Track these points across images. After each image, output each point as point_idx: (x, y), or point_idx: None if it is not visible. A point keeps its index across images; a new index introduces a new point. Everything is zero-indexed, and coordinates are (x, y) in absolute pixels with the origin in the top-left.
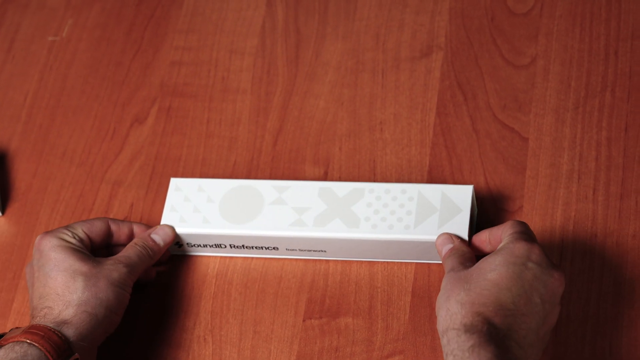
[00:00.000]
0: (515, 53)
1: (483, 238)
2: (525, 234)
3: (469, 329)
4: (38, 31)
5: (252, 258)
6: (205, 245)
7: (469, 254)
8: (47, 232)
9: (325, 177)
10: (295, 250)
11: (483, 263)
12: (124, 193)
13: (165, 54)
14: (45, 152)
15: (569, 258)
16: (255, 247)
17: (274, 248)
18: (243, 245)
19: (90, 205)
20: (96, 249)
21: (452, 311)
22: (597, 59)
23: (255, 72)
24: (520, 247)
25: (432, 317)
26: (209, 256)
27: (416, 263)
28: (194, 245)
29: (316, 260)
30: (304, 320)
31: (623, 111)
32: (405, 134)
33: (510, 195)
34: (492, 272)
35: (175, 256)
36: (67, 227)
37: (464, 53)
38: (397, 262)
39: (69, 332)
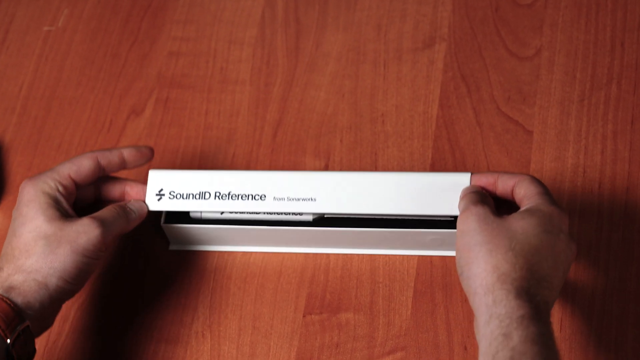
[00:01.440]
0: (519, 44)
1: (490, 180)
2: (551, 196)
3: (521, 295)
4: (33, 21)
5: (252, 252)
6: (188, 197)
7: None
8: (31, 179)
9: (326, 170)
10: (284, 199)
11: (523, 223)
12: None
13: (163, 44)
14: (40, 144)
15: None
16: (242, 197)
17: (261, 197)
18: (229, 194)
19: None
20: (86, 186)
21: (502, 269)
22: (603, 51)
23: (255, 62)
24: (556, 215)
25: (434, 313)
26: (208, 251)
27: (418, 257)
28: (176, 195)
29: (317, 254)
30: (304, 316)
31: (629, 103)
32: (408, 127)
33: None
34: (535, 237)
35: (173, 250)
36: (52, 173)
37: (468, 44)
38: (399, 257)
39: (17, 299)
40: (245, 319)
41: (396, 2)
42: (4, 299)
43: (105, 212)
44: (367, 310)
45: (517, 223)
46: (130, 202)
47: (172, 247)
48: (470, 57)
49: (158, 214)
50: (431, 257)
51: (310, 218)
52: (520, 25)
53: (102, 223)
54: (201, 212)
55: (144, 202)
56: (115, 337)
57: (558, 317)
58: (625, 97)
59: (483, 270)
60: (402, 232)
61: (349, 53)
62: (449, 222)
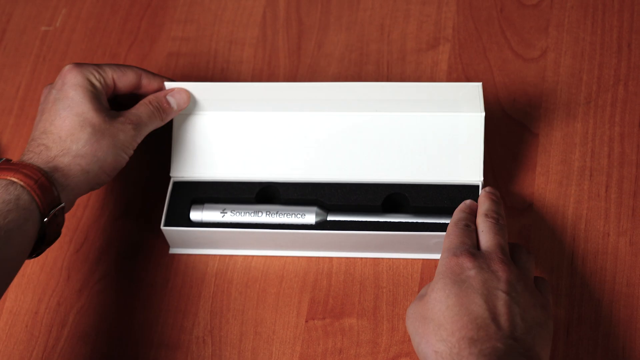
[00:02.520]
0: (525, 45)
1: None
2: (450, 249)
3: (462, 357)
4: (30, 21)
5: (253, 257)
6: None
7: None
8: (77, 65)
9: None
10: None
11: (434, 294)
12: (120, 188)
13: (163, 44)
14: None
15: (581, 258)
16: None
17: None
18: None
19: (86, 201)
20: (119, 95)
21: (440, 352)
22: (609, 52)
23: (256, 63)
24: (451, 267)
25: None
26: (209, 255)
27: (423, 261)
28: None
29: (319, 258)
30: (306, 321)
31: (636, 106)
32: None
33: (520, 193)
34: (448, 298)
35: (173, 256)
36: (97, 67)
37: (472, 45)
38: (403, 261)
39: (60, 180)
40: (247, 324)
41: (399, 2)
42: (48, 176)
43: (142, 109)
44: (371, 315)
45: (430, 299)
46: (171, 93)
47: (172, 251)
48: (475, 58)
49: (158, 217)
50: (435, 261)
51: (312, 221)
52: (525, 26)
53: (137, 126)
54: (202, 210)
55: (187, 92)
56: (115, 342)
57: (565, 323)
58: (632, 99)
59: None
60: (406, 236)
61: (351, 54)
62: None
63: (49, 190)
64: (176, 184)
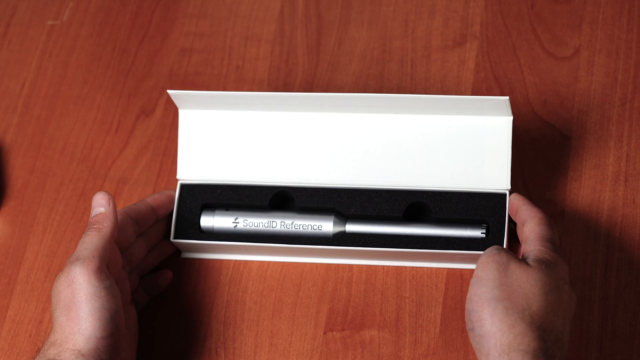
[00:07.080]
0: (556, 43)
1: (514, 205)
2: (554, 243)
3: (538, 356)
4: (36, 14)
5: (269, 263)
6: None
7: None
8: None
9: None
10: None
11: (541, 277)
12: (129, 191)
13: (175, 40)
14: (43, 146)
15: (615, 268)
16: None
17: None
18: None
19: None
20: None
21: (517, 329)
22: None
23: (273, 60)
24: (562, 269)
25: (464, 331)
26: (222, 260)
27: (448, 271)
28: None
29: (339, 266)
30: (325, 333)
31: None
32: None
33: (551, 199)
34: (549, 294)
35: (185, 261)
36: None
37: (501, 43)
38: (427, 270)
39: None
40: (262, 335)
41: None
42: None
43: (78, 246)
44: (393, 327)
45: (534, 276)
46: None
47: (184, 256)
48: (504, 56)
49: (168, 227)
50: (461, 270)
51: (330, 232)
52: (557, 23)
53: (77, 259)
54: (214, 216)
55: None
56: None
57: (597, 336)
58: None
59: (498, 329)
60: (429, 253)
61: (373, 51)
62: (479, 242)
63: None
64: (184, 186)
